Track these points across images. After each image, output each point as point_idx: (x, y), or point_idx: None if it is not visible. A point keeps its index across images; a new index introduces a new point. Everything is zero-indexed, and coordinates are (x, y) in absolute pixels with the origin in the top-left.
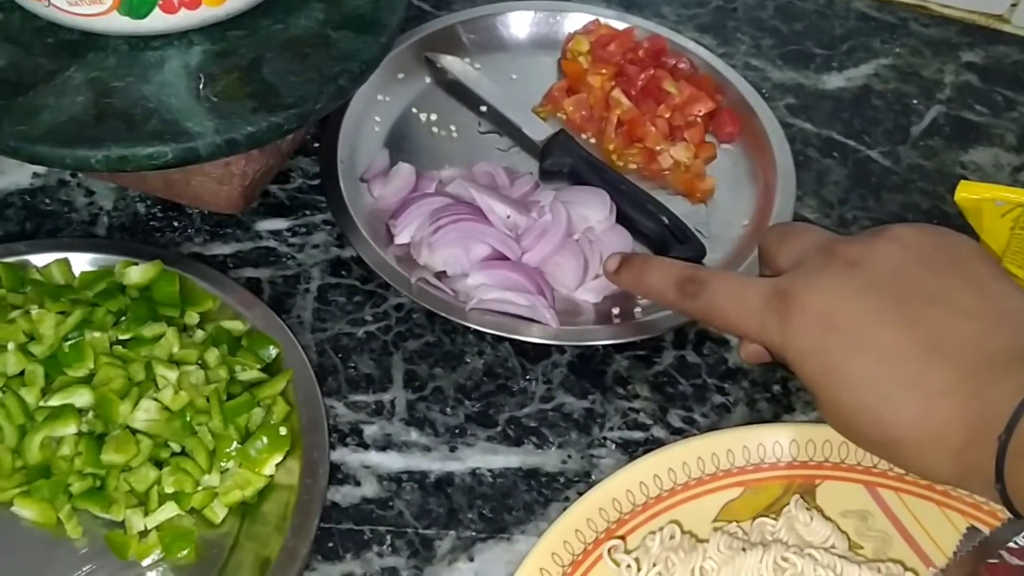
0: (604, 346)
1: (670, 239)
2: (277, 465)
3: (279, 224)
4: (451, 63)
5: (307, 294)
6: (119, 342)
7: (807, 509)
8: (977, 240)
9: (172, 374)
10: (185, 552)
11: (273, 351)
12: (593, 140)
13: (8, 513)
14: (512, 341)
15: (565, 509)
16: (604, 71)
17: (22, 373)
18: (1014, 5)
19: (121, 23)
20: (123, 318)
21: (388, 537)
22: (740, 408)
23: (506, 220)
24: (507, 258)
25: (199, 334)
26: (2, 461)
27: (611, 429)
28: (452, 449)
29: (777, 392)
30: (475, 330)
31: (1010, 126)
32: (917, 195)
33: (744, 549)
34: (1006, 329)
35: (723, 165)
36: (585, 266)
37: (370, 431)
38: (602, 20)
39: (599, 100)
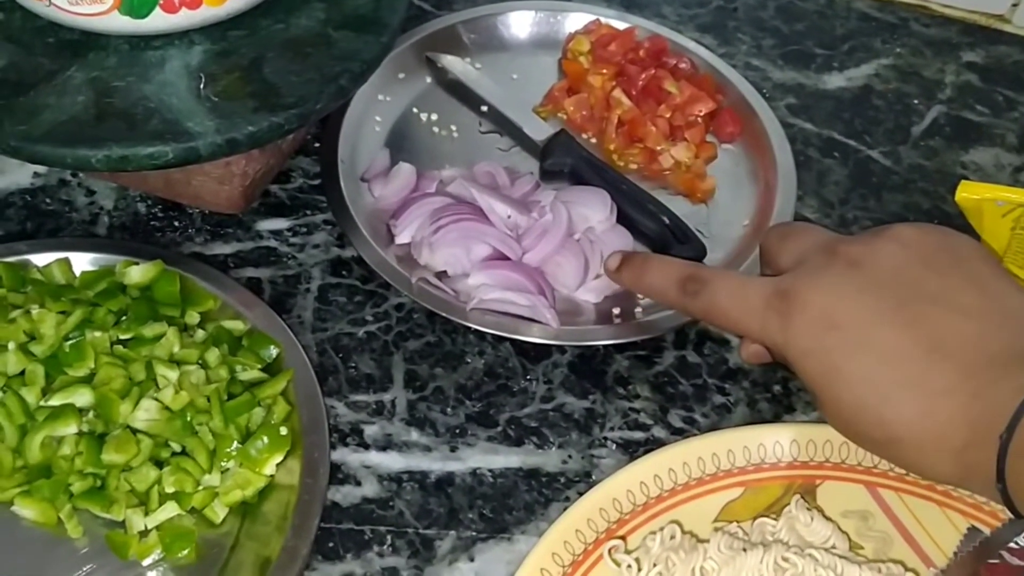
0: (605, 346)
1: (671, 239)
2: (278, 465)
3: (280, 224)
4: (452, 63)
5: (308, 294)
6: (120, 342)
7: (808, 509)
8: (978, 240)
9: (173, 374)
10: (185, 552)
11: (274, 351)
12: (594, 140)
13: (8, 513)
14: (513, 341)
15: (566, 509)
16: (605, 71)
17: (23, 373)
18: (1015, 5)
19: (122, 23)
20: (124, 318)
21: (388, 537)
22: (741, 408)
23: (507, 220)
24: (508, 258)
25: (200, 334)
26: (3, 461)
27: (612, 429)
28: (453, 449)
29: (778, 392)
30: (476, 330)
31: (1011, 126)
32: (918, 195)
33: (745, 549)
34: (1007, 329)
35: (724, 165)
36: (586, 266)
37: (371, 431)
38: (603, 20)
39: (600, 100)
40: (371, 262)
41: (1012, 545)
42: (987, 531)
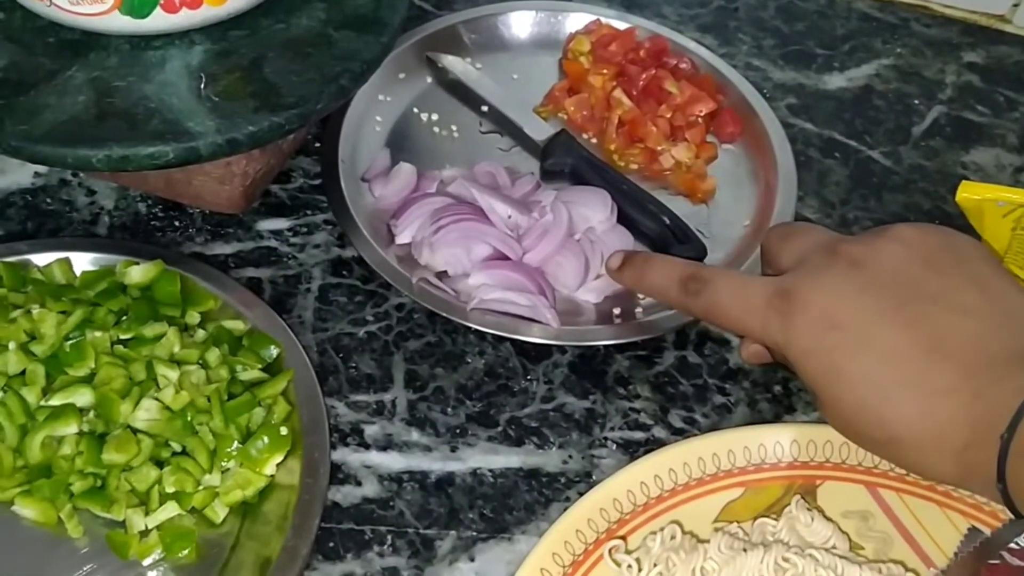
0: (605, 346)
1: (671, 239)
2: (278, 465)
3: (280, 224)
4: (452, 63)
5: (308, 294)
6: (120, 342)
7: (808, 510)
8: (979, 240)
9: (173, 374)
10: (186, 552)
11: (274, 351)
12: (594, 140)
13: (9, 512)
14: (513, 341)
15: (566, 509)
16: (605, 71)
17: (23, 372)
18: (1016, 5)
19: (122, 23)
20: (124, 318)
21: (389, 537)
22: (741, 408)
23: (507, 220)
24: (508, 258)
25: (200, 334)
26: (3, 460)
27: (612, 429)
28: (453, 449)
29: (778, 392)
30: (476, 330)
31: (1012, 126)
32: (918, 195)
33: (745, 549)
34: (1008, 329)
35: (724, 165)
36: (586, 266)
37: (371, 431)
38: (603, 20)
39: (600, 100)
40: (371, 262)
41: (1013, 546)
42: (988, 531)
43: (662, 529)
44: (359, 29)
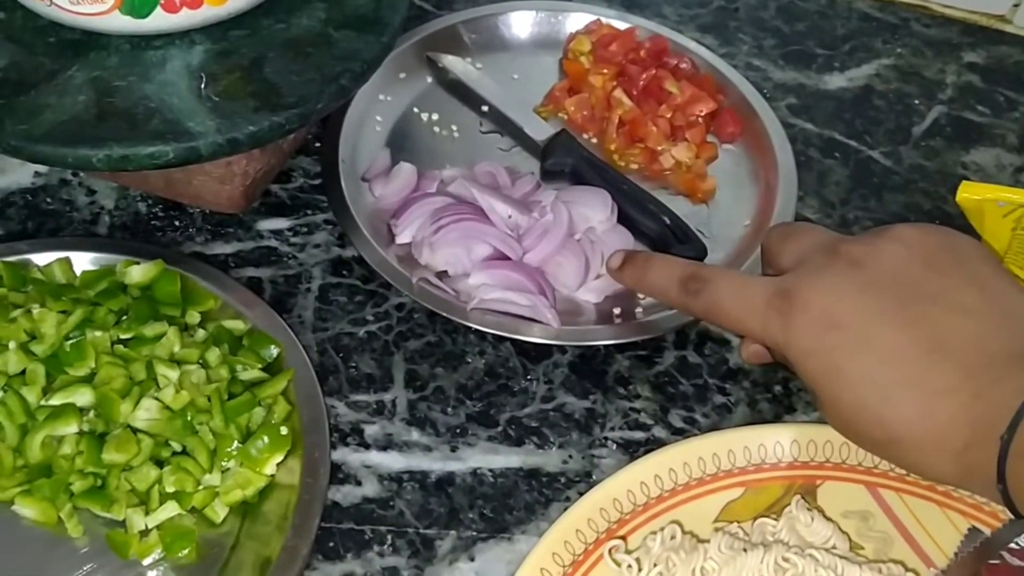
0: (605, 346)
1: (671, 239)
2: (278, 465)
3: (280, 223)
4: (453, 63)
5: (308, 294)
6: (120, 341)
7: (808, 510)
8: (979, 240)
9: (173, 373)
10: (186, 551)
11: (274, 350)
12: (594, 140)
13: (9, 512)
14: (513, 341)
15: (566, 509)
16: (606, 71)
17: (23, 372)
18: (1016, 5)
19: (123, 22)
20: (124, 317)
21: (389, 537)
22: (741, 408)
23: (507, 220)
24: (508, 258)
25: (200, 333)
26: (3, 460)
27: (612, 429)
28: (453, 449)
29: (778, 392)
30: (476, 330)
31: (1012, 126)
32: (919, 195)
33: (745, 549)
34: (1008, 329)
35: (724, 165)
36: (586, 266)
37: (371, 431)
38: (604, 20)
39: (600, 100)
40: (372, 262)
41: (1013, 546)
42: (988, 532)
43: (662, 529)
44: (359, 29)
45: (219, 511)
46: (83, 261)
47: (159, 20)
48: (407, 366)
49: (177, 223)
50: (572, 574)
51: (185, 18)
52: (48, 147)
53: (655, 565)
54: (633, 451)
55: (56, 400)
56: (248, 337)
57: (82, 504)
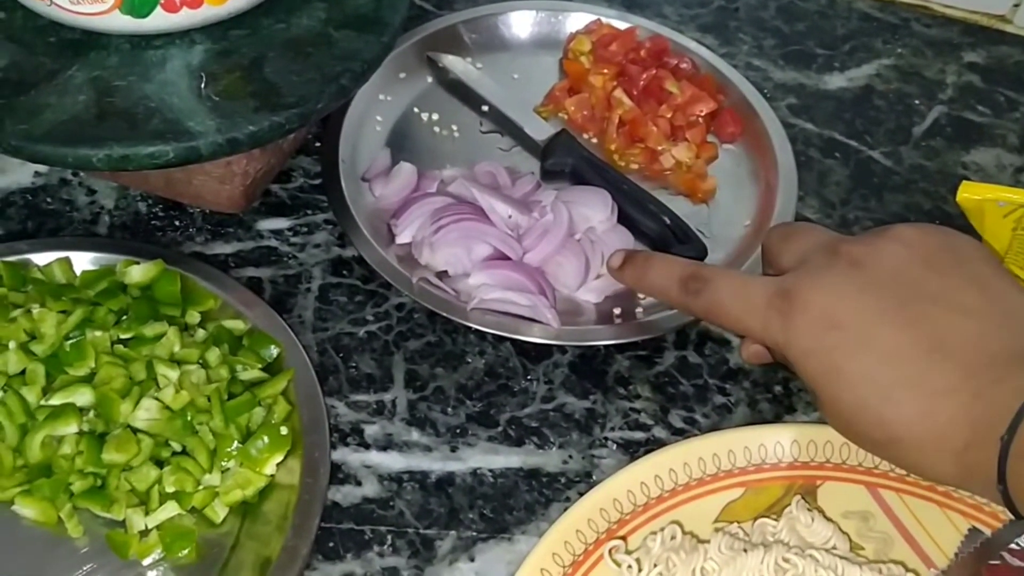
0: (605, 346)
1: (671, 239)
2: (278, 465)
3: (280, 223)
4: (453, 63)
5: (308, 293)
6: (120, 341)
7: (808, 510)
8: (979, 241)
9: (173, 373)
10: (186, 551)
11: (274, 350)
12: (595, 140)
13: (9, 512)
14: (513, 341)
15: (566, 509)
16: (606, 71)
17: (23, 372)
18: (1016, 5)
19: (123, 22)
20: (124, 317)
21: (389, 537)
22: (741, 408)
23: (507, 220)
24: (508, 258)
25: (200, 333)
26: (3, 460)
27: (612, 429)
28: (453, 449)
29: (778, 393)
30: (476, 330)
31: (1012, 127)
32: (919, 196)
33: (745, 550)
34: (1008, 329)
35: (725, 165)
36: (586, 266)
37: (371, 431)
38: (604, 20)
39: (601, 100)
40: (372, 262)
41: (1013, 546)
42: (988, 532)
43: (662, 529)
44: (359, 29)
45: (219, 511)
46: (83, 261)
47: (159, 20)
48: (407, 366)
49: (177, 223)
50: (572, 574)
51: (185, 18)
52: (48, 147)
53: (655, 565)
54: (633, 451)
55: (56, 400)
56: (248, 337)
57: (82, 504)
